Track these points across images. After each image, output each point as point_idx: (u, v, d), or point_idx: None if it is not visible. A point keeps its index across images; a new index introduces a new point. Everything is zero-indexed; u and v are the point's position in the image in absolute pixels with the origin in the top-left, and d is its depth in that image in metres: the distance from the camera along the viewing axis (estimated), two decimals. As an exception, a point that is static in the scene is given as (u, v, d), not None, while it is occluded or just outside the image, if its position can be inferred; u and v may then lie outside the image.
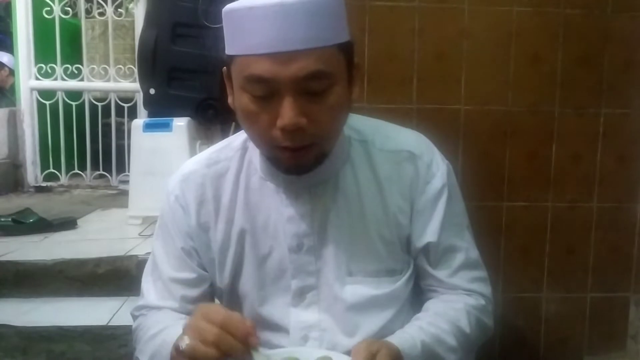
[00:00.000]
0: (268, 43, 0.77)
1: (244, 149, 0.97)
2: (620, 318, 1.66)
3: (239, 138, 0.99)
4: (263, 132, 0.82)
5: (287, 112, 0.78)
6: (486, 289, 0.99)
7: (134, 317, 1.01)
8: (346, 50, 0.84)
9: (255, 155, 0.95)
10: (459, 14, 1.52)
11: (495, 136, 1.57)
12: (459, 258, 0.96)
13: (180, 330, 0.78)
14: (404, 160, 0.95)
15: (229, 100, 0.88)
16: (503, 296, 1.59)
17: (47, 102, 3.82)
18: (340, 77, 0.82)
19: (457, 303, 0.94)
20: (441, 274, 0.96)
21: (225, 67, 0.87)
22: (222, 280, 0.97)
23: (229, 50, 0.83)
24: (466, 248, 0.97)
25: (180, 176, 0.98)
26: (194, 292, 0.97)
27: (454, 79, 1.54)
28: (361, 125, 0.98)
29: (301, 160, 0.84)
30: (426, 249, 0.95)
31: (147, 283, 1.00)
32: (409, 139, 0.98)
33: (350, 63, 0.85)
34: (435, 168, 0.95)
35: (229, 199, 0.95)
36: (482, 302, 0.97)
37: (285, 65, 0.77)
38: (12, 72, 4.35)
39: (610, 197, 1.61)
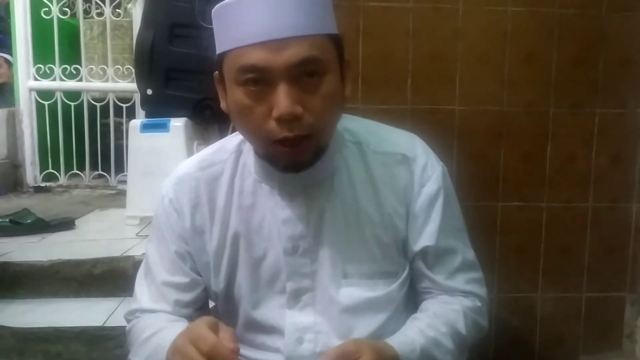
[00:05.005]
0: (259, 32, 0.77)
1: (239, 152, 0.96)
2: (616, 318, 1.67)
3: (233, 141, 0.98)
4: (259, 126, 0.81)
5: (283, 101, 0.77)
6: (482, 289, 1.00)
7: (128, 321, 1.00)
8: (336, 42, 0.84)
9: (249, 157, 0.95)
10: (453, 14, 1.52)
11: (490, 136, 1.57)
12: (456, 260, 0.96)
13: (174, 333, 0.79)
14: (398, 163, 0.94)
15: (222, 105, 0.88)
16: (498, 296, 1.59)
17: (46, 103, 3.81)
18: (332, 67, 0.83)
19: (455, 304, 0.94)
20: (439, 276, 0.96)
21: (216, 72, 0.87)
22: (218, 283, 0.97)
23: (220, 48, 0.83)
24: (463, 250, 0.98)
25: (174, 179, 0.98)
26: (187, 296, 0.97)
27: (449, 80, 1.54)
28: (355, 126, 0.97)
29: (298, 156, 0.83)
30: (424, 252, 0.94)
31: (141, 286, 1.00)
32: (403, 141, 0.97)
33: (341, 57, 0.86)
34: (430, 171, 0.95)
35: (223, 202, 0.95)
36: (478, 303, 0.98)
37: (278, 52, 0.77)
38: (10, 67, 4.33)
39: (605, 197, 1.61)
